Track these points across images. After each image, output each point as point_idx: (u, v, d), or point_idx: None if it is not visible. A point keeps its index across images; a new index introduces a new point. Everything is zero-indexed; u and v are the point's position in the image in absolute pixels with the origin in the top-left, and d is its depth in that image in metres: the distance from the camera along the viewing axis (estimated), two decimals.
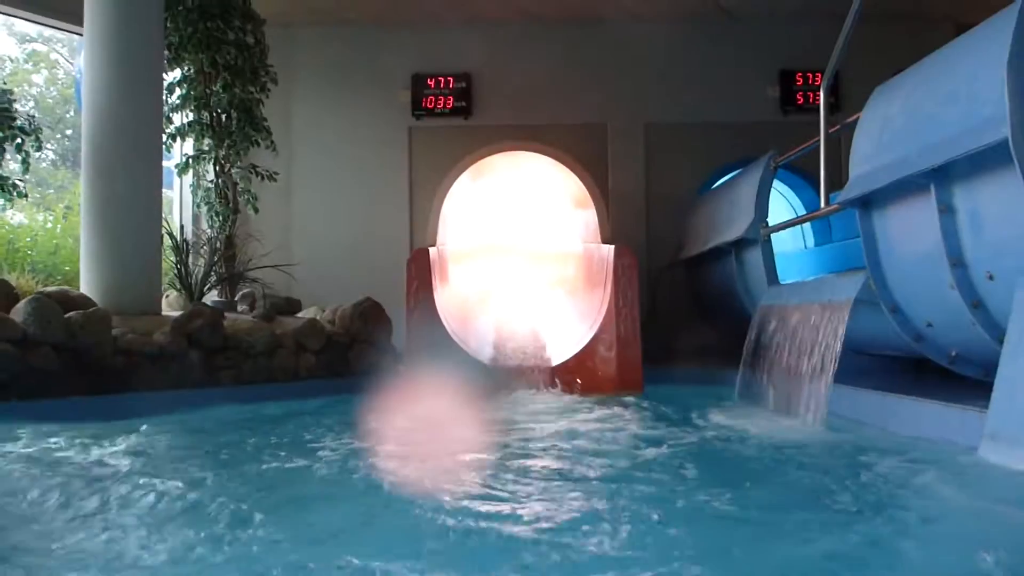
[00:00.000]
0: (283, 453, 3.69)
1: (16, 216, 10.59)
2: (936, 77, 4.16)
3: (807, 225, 8.92)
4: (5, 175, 6.66)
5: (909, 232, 4.46)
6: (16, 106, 6.76)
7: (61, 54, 22.56)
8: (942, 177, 3.99)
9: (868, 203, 4.80)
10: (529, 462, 3.42)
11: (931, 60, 4.32)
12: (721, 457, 3.84)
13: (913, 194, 4.28)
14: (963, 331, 4.25)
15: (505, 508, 2.57)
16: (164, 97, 7.73)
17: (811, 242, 9.00)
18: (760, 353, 6.06)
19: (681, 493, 2.84)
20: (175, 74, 8.18)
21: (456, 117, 10.03)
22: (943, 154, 3.81)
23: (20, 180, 6.74)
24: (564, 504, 2.67)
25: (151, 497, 2.74)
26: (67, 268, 8.84)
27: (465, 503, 2.62)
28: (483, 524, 2.38)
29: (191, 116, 8.15)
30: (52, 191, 17.28)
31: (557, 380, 7.06)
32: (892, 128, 4.47)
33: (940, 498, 2.84)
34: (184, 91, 8.09)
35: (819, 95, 5.71)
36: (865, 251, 4.83)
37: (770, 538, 2.32)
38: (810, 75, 9.93)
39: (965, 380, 4.71)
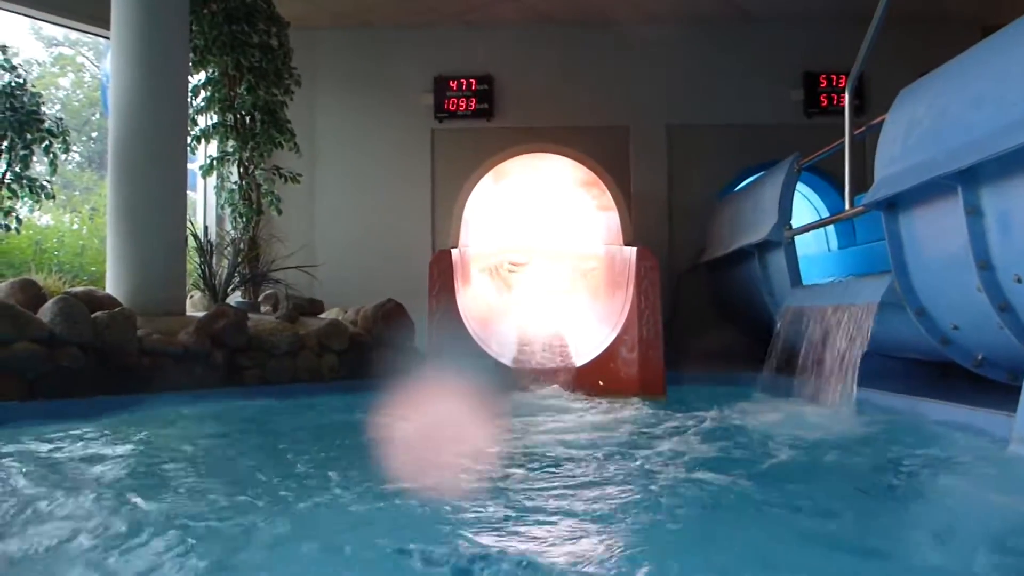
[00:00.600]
0: (302, 458, 3.70)
1: (43, 218, 10.75)
2: (964, 78, 4.12)
3: (830, 228, 8.85)
4: (33, 176, 6.74)
5: (935, 234, 4.42)
6: (44, 109, 6.84)
7: (87, 57, 22.86)
8: (970, 179, 3.95)
9: (894, 205, 4.76)
10: (550, 468, 3.40)
11: (958, 61, 4.28)
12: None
13: (940, 196, 4.24)
14: (990, 334, 4.21)
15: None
16: (189, 99, 7.80)
17: (835, 245, 8.93)
18: (785, 355, 6.02)
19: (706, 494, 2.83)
20: (200, 77, 8.25)
21: (478, 119, 10.05)
22: (971, 156, 3.77)
23: (47, 181, 6.82)
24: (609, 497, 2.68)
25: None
26: (93, 269, 8.96)
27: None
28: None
29: (215, 118, 8.21)
30: (78, 193, 17.52)
31: (579, 382, 7.04)
32: (919, 130, 4.43)
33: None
34: (209, 93, 8.15)
35: (843, 97, 5.68)
36: (891, 253, 4.79)
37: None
38: (834, 77, 9.87)
39: (991, 384, 4.67)
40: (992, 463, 3.31)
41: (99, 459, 3.47)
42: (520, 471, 3.22)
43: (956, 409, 4.22)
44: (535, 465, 3.40)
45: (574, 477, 3.13)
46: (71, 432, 4.19)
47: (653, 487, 2.91)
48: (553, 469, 3.30)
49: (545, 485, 3.00)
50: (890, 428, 4.48)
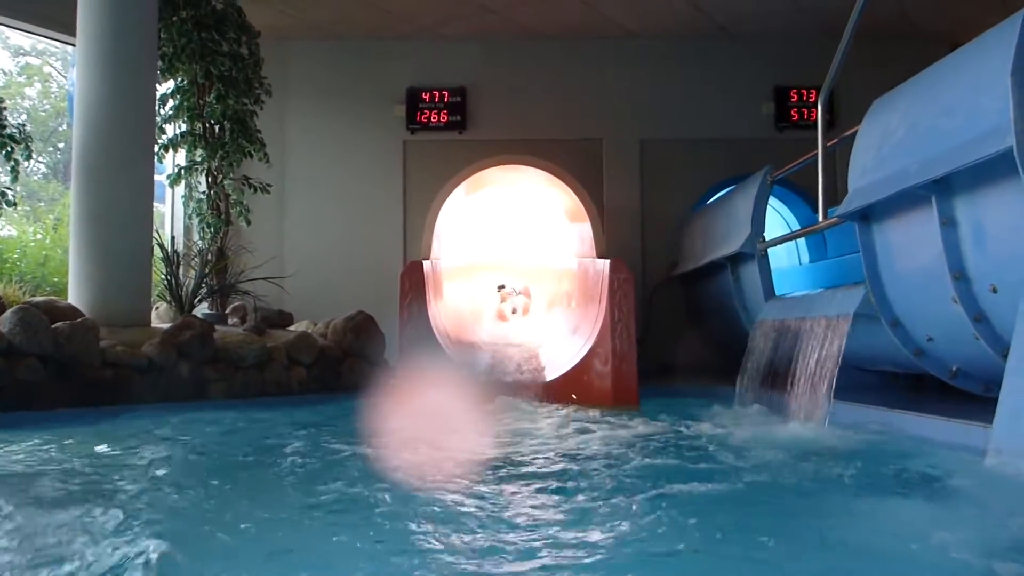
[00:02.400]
0: (264, 466, 3.59)
1: (5, 228, 10.51)
2: (937, 89, 4.13)
3: (802, 242, 8.88)
4: None
5: (910, 245, 4.41)
6: (6, 114, 6.68)
7: (55, 67, 22.54)
8: (944, 189, 3.95)
9: (867, 216, 4.76)
10: (525, 480, 3.32)
11: (931, 72, 4.29)
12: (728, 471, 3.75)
13: (914, 206, 4.24)
14: (965, 345, 4.20)
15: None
16: (157, 108, 7.67)
17: (806, 258, 8.96)
18: (758, 368, 6.00)
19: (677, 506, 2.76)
20: (168, 85, 8.12)
21: (451, 131, 10.00)
22: (945, 165, 3.77)
23: (8, 189, 6.65)
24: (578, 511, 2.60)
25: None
26: (56, 280, 8.76)
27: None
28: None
29: (184, 127, 8.08)
30: (43, 204, 17.20)
31: (552, 395, 6.97)
32: (892, 140, 4.43)
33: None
34: (177, 102, 8.03)
35: (814, 111, 5.70)
36: (865, 265, 4.79)
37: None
38: (804, 91, 9.94)
39: (964, 396, 4.66)
40: (969, 476, 3.28)
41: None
42: (491, 488, 3.14)
43: (932, 421, 4.20)
44: (505, 479, 3.32)
45: (541, 493, 3.05)
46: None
47: (616, 500, 2.83)
48: (522, 482, 3.22)
49: (516, 498, 2.92)
50: (864, 441, 4.45)
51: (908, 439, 4.26)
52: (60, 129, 21.21)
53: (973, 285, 3.92)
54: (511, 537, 2.32)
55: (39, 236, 10.33)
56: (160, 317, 7.55)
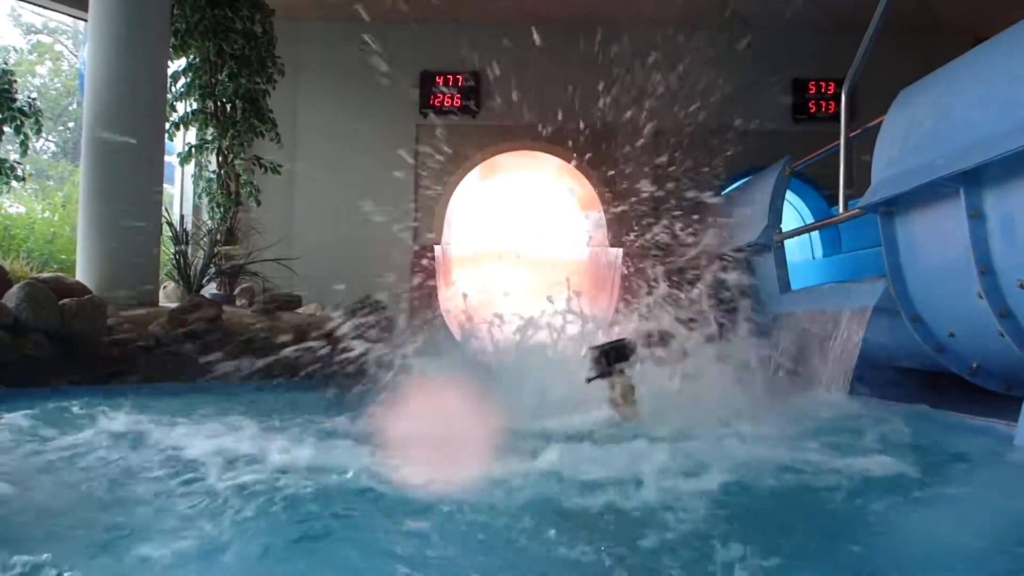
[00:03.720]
0: (264, 449, 3.50)
1: (15, 206, 10.47)
2: (969, 78, 4.02)
3: (816, 235, 8.78)
4: (2, 158, 6.51)
5: (935, 238, 4.31)
6: (16, 88, 6.61)
7: (66, 46, 22.51)
8: (973, 181, 3.85)
9: (891, 208, 4.66)
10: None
11: (962, 62, 4.18)
12: None
13: (941, 199, 4.14)
14: (988, 342, 4.11)
15: None
16: (168, 85, 7.59)
17: (819, 253, 8.85)
18: (778, 360, 5.89)
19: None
20: (180, 62, 8.03)
21: (464, 115, 9.89)
22: (975, 157, 3.66)
23: (18, 164, 6.59)
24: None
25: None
26: (64, 257, 8.71)
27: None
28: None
29: (195, 105, 8.00)
30: (52, 182, 17.18)
31: None
32: (919, 131, 4.32)
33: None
34: (189, 79, 7.94)
35: (832, 104, 5.59)
36: (886, 258, 4.69)
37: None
38: (823, 84, 9.81)
39: (983, 393, 4.57)
40: (997, 470, 3.19)
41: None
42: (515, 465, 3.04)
43: (954, 418, 4.11)
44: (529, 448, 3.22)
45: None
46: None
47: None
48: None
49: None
50: (885, 436, 4.35)
51: (929, 434, 4.17)
52: (71, 108, 21.17)
53: (1000, 280, 3.82)
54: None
55: (47, 214, 10.28)
56: (168, 296, 7.49)
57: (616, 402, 3.17)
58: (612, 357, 3.10)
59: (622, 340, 3.21)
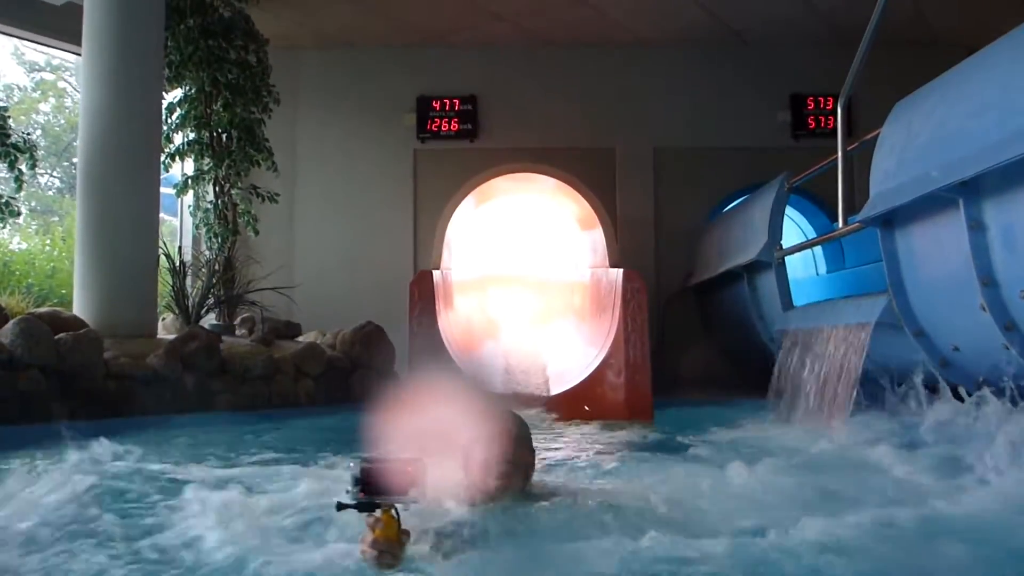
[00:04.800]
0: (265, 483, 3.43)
1: (15, 241, 10.48)
2: (965, 88, 3.98)
3: (818, 252, 8.72)
4: None
5: (935, 251, 4.25)
6: (11, 124, 6.61)
7: (69, 83, 22.64)
8: (972, 192, 3.79)
9: (890, 221, 4.60)
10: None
11: (958, 71, 4.14)
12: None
13: (940, 210, 4.08)
14: (993, 355, 4.03)
15: None
16: (164, 116, 7.59)
17: (823, 269, 8.79)
18: (781, 379, 5.81)
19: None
20: (176, 93, 8.04)
21: (462, 140, 9.89)
22: (974, 166, 3.61)
23: (12, 198, 6.57)
24: None
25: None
26: (63, 291, 8.67)
27: None
28: None
29: (191, 135, 8.00)
30: (57, 218, 17.22)
31: (564, 407, 6.82)
32: (916, 143, 4.28)
33: None
34: (184, 110, 7.94)
35: (832, 119, 5.55)
36: (887, 272, 4.63)
37: None
38: (821, 99, 9.77)
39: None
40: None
41: None
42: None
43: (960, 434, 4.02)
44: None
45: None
46: None
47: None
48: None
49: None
50: (887, 453, 4.27)
51: (929, 450, 4.08)
52: (74, 144, 21.27)
53: (1003, 291, 3.76)
54: None
55: (48, 248, 10.28)
56: (167, 328, 7.45)
57: (366, 549, 1.93)
58: (374, 486, 1.89)
59: (400, 460, 1.93)
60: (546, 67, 10.06)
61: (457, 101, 9.87)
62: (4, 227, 6.84)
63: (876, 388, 5.34)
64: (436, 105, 9.89)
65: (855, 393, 4.87)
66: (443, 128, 9.85)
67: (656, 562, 2.13)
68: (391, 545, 1.90)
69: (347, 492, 1.91)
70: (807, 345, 5.57)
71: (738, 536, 2.36)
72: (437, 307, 7.35)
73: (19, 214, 6.77)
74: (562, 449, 4.94)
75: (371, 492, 1.89)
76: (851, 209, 5.41)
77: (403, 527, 1.93)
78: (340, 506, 1.91)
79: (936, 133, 4.10)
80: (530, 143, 9.77)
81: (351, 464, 1.92)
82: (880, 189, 4.56)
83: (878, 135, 4.87)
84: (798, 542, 2.31)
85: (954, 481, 3.31)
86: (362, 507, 1.90)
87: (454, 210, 9.10)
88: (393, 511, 1.91)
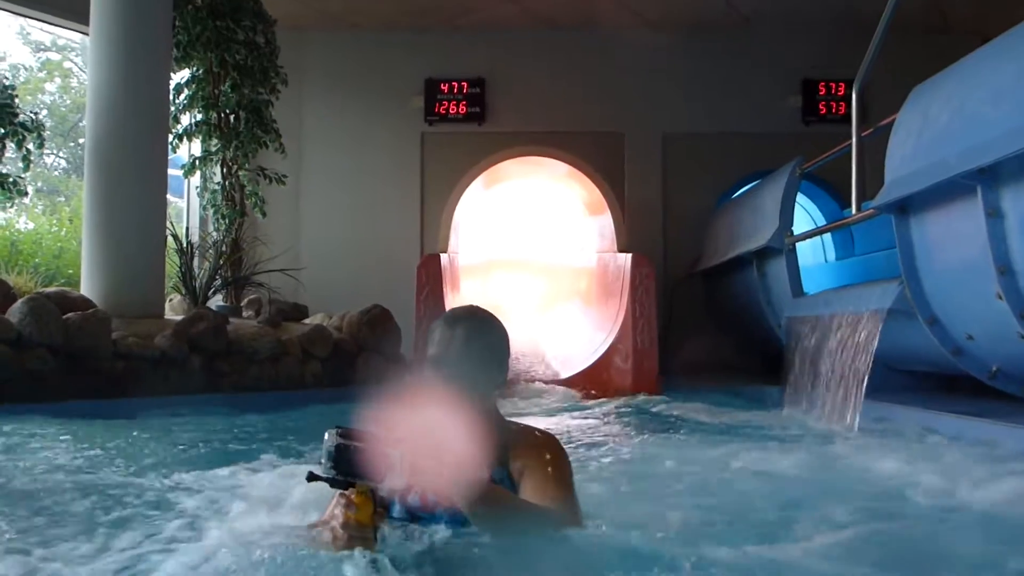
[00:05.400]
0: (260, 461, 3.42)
1: (22, 220, 10.46)
2: (984, 73, 3.93)
3: (828, 239, 8.66)
4: (5, 173, 6.47)
5: (951, 238, 4.22)
6: (18, 103, 6.57)
7: (75, 63, 22.58)
8: (990, 178, 3.74)
9: (905, 208, 4.56)
10: None
11: (978, 56, 4.09)
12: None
13: (957, 197, 4.04)
14: (1008, 344, 4.01)
15: None
16: (171, 97, 7.55)
17: (832, 256, 8.73)
18: (792, 367, 5.78)
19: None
20: (183, 74, 8.00)
21: (469, 123, 9.82)
22: (993, 153, 3.57)
23: (20, 178, 6.55)
24: None
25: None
26: (70, 271, 8.67)
27: None
28: None
29: (199, 116, 7.96)
30: (63, 199, 17.21)
31: (572, 391, 6.81)
32: (934, 128, 4.23)
33: None
34: (192, 91, 7.90)
35: (843, 105, 5.50)
36: (901, 259, 4.59)
37: None
38: (833, 85, 9.69)
39: (999, 397, 4.47)
40: None
41: None
42: None
43: (976, 424, 4.00)
44: None
45: None
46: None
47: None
48: None
49: None
50: (900, 444, 4.24)
51: (946, 440, 4.06)
52: (80, 125, 21.22)
53: (1020, 280, 3.72)
54: None
55: (55, 228, 10.27)
56: (174, 309, 7.43)
57: (336, 531, 1.75)
58: (348, 464, 1.70)
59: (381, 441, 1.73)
60: (555, 51, 9.99)
61: (465, 84, 9.80)
62: (11, 206, 6.80)
63: (887, 375, 5.33)
64: (444, 88, 9.82)
65: (866, 381, 4.84)
66: (451, 111, 9.79)
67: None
68: (363, 530, 1.73)
69: (320, 464, 1.73)
70: (817, 332, 5.54)
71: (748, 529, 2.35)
72: (444, 290, 7.33)
73: (26, 193, 6.76)
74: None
75: (344, 472, 1.71)
76: (862, 196, 5.36)
77: (378, 509, 1.77)
78: (311, 476, 1.73)
79: (954, 119, 4.05)
80: (538, 127, 9.72)
81: (327, 435, 1.72)
82: (896, 175, 4.51)
83: (893, 121, 4.82)
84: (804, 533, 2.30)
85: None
86: (335, 484, 1.73)
87: (461, 193, 9.08)
88: (369, 492, 1.74)
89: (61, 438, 3.96)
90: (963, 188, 3.90)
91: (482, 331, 2.03)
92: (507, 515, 1.83)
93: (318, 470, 1.73)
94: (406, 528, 1.92)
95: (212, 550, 1.91)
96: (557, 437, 2.10)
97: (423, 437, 1.72)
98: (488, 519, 1.80)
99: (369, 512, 1.73)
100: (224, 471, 3.14)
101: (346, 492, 1.73)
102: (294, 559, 1.78)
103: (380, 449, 1.70)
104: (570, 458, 2.07)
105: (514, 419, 2.15)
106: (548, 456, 1.98)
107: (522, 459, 1.96)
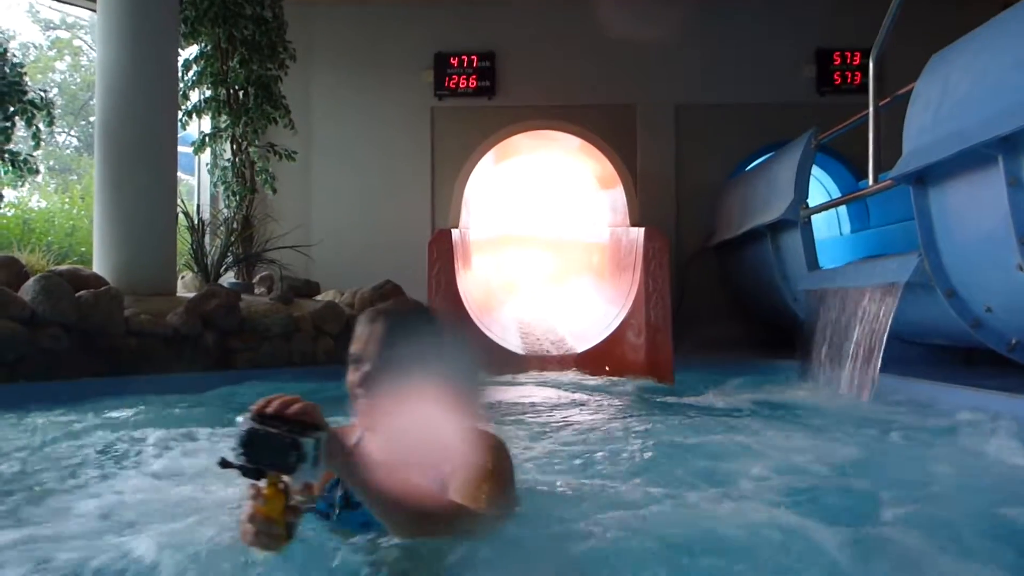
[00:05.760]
0: None
1: (35, 198, 10.49)
2: (1006, 39, 3.84)
3: (843, 211, 8.57)
4: (15, 151, 6.46)
5: (971, 208, 4.14)
6: (27, 80, 6.55)
7: (84, 41, 22.52)
8: (1012, 147, 3.67)
9: (923, 179, 4.48)
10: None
11: (999, 22, 3.99)
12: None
13: (977, 167, 3.96)
14: None
15: None
16: (180, 73, 7.51)
17: (847, 229, 8.64)
18: (808, 340, 5.73)
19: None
20: (192, 50, 7.95)
21: (480, 97, 9.73)
22: (1016, 121, 3.49)
23: (31, 156, 6.54)
24: None
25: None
26: (83, 249, 8.69)
27: None
28: None
29: (208, 93, 7.91)
30: (75, 177, 17.24)
31: (584, 367, 6.78)
32: (953, 97, 4.14)
33: None
34: (200, 67, 7.85)
35: (859, 75, 5.40)
36: (920, 230, 4.52)
37: None
38: (848, 54, 9.54)
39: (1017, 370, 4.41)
40: None
41: None
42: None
43: (992, 397, 3.95)
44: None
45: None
46: None
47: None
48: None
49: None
50: (919, 419, 4.20)
51: (965, 416, 4.00)
52: (91, 103, 21.20)
53: None
54: None
55: (67, 206, 10.29)
56: (186, 286, 7.44)
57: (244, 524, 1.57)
58: (259, 452, 1.51)
59: (294, 428, 1.51)
60: (565, 22, 9.87)
61: (475, 58, 9.71)
62: (23, 185, 6.79)
63: (904, 349, 5.28)
64: (454, 62, 9.73)
65: (882, 354, 4.79)
66: (461, 85, 9.70)
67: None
68: (271, 526, 1.53)
69: (232, 450, 1.52)
70: (833, 306, 5.48)
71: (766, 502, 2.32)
72: (456, 266, 7.29)
73: (37, 171, 6.74)
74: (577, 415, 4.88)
75: (254, 460, 1.50)
76: (877, 168, 5.29)
77: (292, 503, 1.55)
78: (223, 463, 1.52)
79: (975, 87, 3.97)
80: (549, 100, 9.63)
81: (240, 418, 1.52)
82: (914, 145, 4.44)
83: (911, 90, 4.73)
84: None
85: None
86: (246, 472, 1.52)
87: (472, 168, 9.01)
88: (281, 484, 1.53)
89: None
90: (984, 157, 3.83)
91: (407, 330, 1.83)
92: (412, 514, 1.63)
93: (231, 456, 1.52)
94: (328, 524, 1.78)
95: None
96: (498, 436, 1.92)
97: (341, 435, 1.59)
98: (392, 518, 1.62)
99: (279, 507, 1.53)
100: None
101: (257, 483, 1.53)
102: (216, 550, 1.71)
103: (296, 437, 1.49)
104: (511, 457, 1.91)
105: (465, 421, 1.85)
106: (481, 455, 1.80)
107: (455, 461, 1.78)
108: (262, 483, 1.52)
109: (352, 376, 1.84)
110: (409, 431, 1.69)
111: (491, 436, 1.91)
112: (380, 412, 1.77)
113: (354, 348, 1.85)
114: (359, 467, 1.57)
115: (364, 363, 1.82)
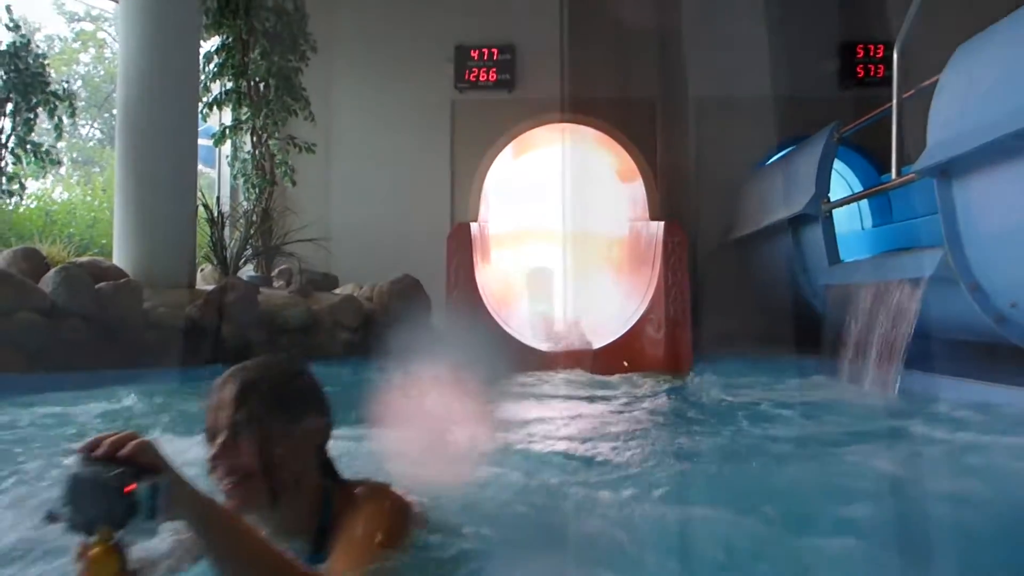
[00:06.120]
0: None
1: (58, 190, 10.57)
2: None
3: (864, 205, 8.46)
4: (38, 142, 6.50)
5: (996, 202, 4.07)
6: (51, 72, 6.59)
7: (108, 33, 22.68)
8: None
9: (947, 171, 4.40)
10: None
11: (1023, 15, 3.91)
12: None
13: (1003, 159, 3.88)
14: None
15: None
16: (201, 65, 7.53)
17: (868, 223, 8.54)
18: (829, 335, 5.67)
19: None
20: (213, 42, 7.97)
21: (500, 90, 9.70)
22: None
23: (53, 147, 6.59)
24: None
25: None
26: (104, 241, 8.75)
27: None
28: None
29: (228, 85, 7.94)
30: (97, 169, 17.37)
31: (603, 362, 6.74)
32: (980, 88, 4.07)
33: None
34: (222, 59, 7.88)
35: (882, 68, 5.32)
36: (944, 224, 4.44)
37: None
38: (871, 47, 9.42)
39: None
40: None
41: None
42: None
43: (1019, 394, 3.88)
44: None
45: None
46: None
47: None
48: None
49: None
50: (937, 413, 4.14)
51: (988, 411, 3.95)
52: (114, 95, 21.36)
53: None
54: None
55: (88, 198, 10.35)
56: (205, 279, 7.47)
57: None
58: (87, 503, 1.22)
59: (126, 472, 1.22)
60: (585, 16, 9.80)
61: (496, 50, 9.67)
62: (45, 176, 6.85)
63: (926, 344, 5.20)
64: (474, 55, 9.70)
65: (904, 353, 4.73)
66: (481, 78, 9.67)
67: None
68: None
69: (58, 499, 1.23)
70: (855, 301, 5.42)
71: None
72: (475, 260, 7.27)
73: (59, 163, 6.79)
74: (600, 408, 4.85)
75: (82, 513, 1.22)
76: (899, 162, 5.21)
77: (131, 568, 1.26)
78: (49, 517, 1.23)
79: (1001, 78, 3.89)
80: (569, 92, 9.56)
81: (69, 459, 1.24)
82: (939, 138, 4.36)
83: (935, 82, 4.65)
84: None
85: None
86: (73, 526, 1.23)
87: (492, 161, 8.98)
88: (113, 542, 1.23)
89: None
90: (1011, 149, 3.75)
91: (259, 385, 1.55)
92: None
93: (58, 506, 1.23)
94: None
95: None
96: (390, 488, 1.64)
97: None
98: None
99: (112, 570, 1.24)
100: None
101: (87, 541, 1.24)
102: None
103: (127, 482, 1.22)
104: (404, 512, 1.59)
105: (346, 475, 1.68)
106: (361, 516, 1.54)
107: (340, 524, 1.54)
108: (92, 540, 1.24)
109: (209, 452, 1.52)
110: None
111: (390, 497, 1.61)
112: (250, 488, 1.50)
113: (207, 422, 1.55)
114: (216, 518, 1.32)
115: (219, 434, 1.52)
